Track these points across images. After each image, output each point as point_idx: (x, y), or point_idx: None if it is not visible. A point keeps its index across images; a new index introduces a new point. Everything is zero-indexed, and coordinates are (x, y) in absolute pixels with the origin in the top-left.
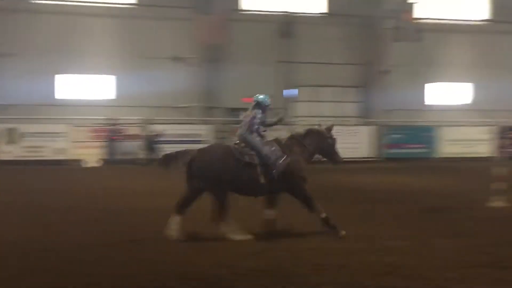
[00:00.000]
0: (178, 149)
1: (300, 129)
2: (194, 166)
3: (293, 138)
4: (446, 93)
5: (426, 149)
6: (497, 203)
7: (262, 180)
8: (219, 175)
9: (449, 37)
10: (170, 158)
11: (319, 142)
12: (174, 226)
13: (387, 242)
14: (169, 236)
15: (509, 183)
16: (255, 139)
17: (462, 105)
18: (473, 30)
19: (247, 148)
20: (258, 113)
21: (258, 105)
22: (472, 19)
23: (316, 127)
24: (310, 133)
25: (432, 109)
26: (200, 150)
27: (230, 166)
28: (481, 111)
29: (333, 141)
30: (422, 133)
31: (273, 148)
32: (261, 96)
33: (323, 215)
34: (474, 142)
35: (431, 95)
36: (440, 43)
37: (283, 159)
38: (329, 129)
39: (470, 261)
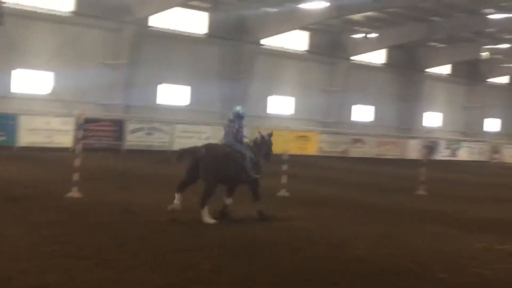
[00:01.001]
0: (192, 146)
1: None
2: (202, 162)
3: (255, 144)
4: (29, 81)
5: (6, 137)
6: (74, 193)
7: (243, 176)
8: (219, 171)
9: (34, 24)
10: (186, 153)
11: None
12: (176, 200)
13: None
14: (174, 206)
15: (85, 173)
16: (241, 146)
17: (44, 94)
18: (57, 20)
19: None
20: (241, 125)
21: (239, 116)
22: (58, 10)
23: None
24: (263, 139)
25: (15, 96)
26: (207, 149)
27: (229, 165)
28: (63, 102)
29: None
30: (2, 121)
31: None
32: (240, 108)
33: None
34: (55, 132)
35: (16, 82)
36: (24, 30)
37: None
38: (270, 134)
39: (47, 252)
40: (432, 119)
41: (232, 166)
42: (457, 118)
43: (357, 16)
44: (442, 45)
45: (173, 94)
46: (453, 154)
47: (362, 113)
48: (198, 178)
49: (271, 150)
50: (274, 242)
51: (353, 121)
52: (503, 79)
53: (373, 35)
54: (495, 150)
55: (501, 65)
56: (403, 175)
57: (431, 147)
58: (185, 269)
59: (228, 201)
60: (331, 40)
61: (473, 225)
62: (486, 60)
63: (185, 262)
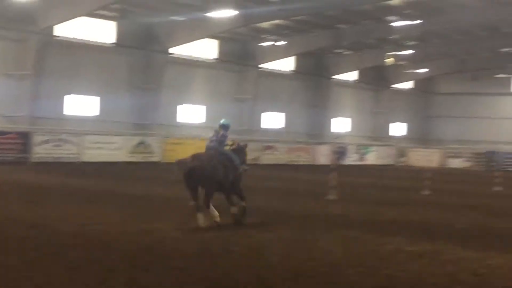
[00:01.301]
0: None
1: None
2: (195, 172)
3: (235, 150)
4: None
5: None
6: None
7: (231, 177)
8: (211, 173)
9: None
10: (184, 163)
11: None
12: (200, 219)
13: None
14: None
15: None
16: (226, 150)
17: None
18: None
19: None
20: (226, 133)
21: (224, 126)
22: None
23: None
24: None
25: None
26: (194, 159)
27: (216, 165)
28: None
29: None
30: None
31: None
32: (225, 120)
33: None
34: None
35: None
36: None
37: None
38: (245, 145)
39: None
40: (341, 125)
41: (220, 167)
42: (365, 123)
43: (265, 24)
44: (348, 52)
45: (82, 105)
46: (362, 159)
47: (273, 120)
48: (198, 186)
49: (246, 156)
50: (187, 252)
51: (264, 128)
52: (407, 84)
53: (282, 42)
54: (402, 153)
55: (405, 71)
56: (314, 181)
57: (340, 152)
58: (99, 284)
59: (234, 209)
60: (240, 48)
61: (383, 227)
62: (391, 66)
63: (99, 276)
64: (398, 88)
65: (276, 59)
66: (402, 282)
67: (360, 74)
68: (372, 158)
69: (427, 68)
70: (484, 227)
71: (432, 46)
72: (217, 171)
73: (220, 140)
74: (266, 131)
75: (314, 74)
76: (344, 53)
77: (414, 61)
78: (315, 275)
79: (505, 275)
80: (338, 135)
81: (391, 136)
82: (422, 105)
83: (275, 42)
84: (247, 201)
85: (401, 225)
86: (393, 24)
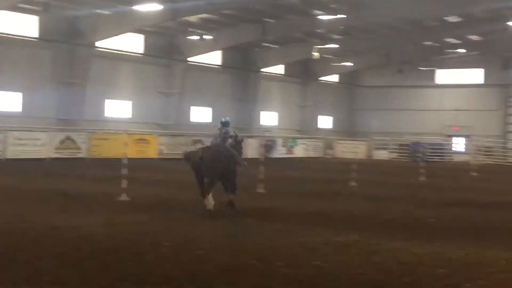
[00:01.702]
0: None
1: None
2: (203, 163)
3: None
4: None
5: None
6: None
7: (233, 167)
8: (217, 166)
9: None
10: (193, 154)
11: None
12: (208, 202)
13: None
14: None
15: None
16: (228, 146)
17: None
18: None
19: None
20: (228, 130)
21: (226, 123)
22: None
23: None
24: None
25: None
26: (203, 152)
27: (222, 160)
28: None
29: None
30: None
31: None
32: (227, 119)
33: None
34: None
35: None
36: None
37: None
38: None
39: None
40: (269, 118)
41: (224, 161)
42: (293, 116)
43: (192, 18)
44: (275, 46)
45: (4, 101)
46: (290, 152)
47: (201, 114)
48: (203, 176)
49: (241, 152)
50: (116, 248)
51: (192, 122)
52: (333, 78)
53: (209, 36)
54: (329, 146)
55: (331, 64)
56: (243, 174)
57: (268, 146)
58: (25, 282)
59: (231, 196)
60: (167, 42)
61: (312, 219)
62: (317, 60)
63: (24, 274)
64: (324, 81)
65: (203, 53)
66: (330, 272)
67: (287, 68)
68: (300, 151)
69: (353, 62)
70: (410, 217)
71: (357, 40)
72: (221, 164)
73: (223, 137)
74: (194, 125)
75: (242, 68)
76: (271, 46)
77: (340, 55)
78: (245, 268)
79: (429, 263)
80: (267, 129)
81: (318, 128)
82: (348, 98)
83: (202, 36)
84: (237, 193)
85: (329, 217)
86: (319, 17)
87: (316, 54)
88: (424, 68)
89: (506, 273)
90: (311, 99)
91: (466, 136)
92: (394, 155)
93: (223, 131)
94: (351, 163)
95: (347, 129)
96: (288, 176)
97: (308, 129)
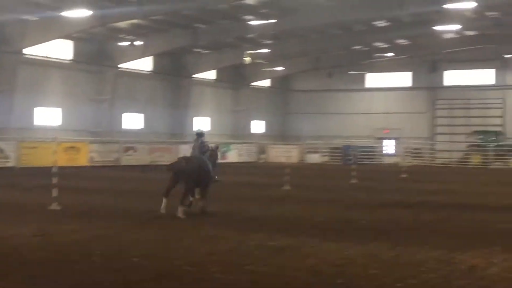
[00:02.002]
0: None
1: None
2: (184, 171)
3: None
4: None
5: None
6: None
7: (208, 178)
8: (195, 176)
9: None
10: (176, 163)
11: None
12: (164, 205)
13: None
14: (161, 212)
15: None
16: (204, 157)
17: None
18: None
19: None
20: (203, 141)
21: (200, 134)
22: None
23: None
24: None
25: None
26: (186, 161)
27: (200, 171)
28: None
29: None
30: None
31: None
32: (198, 129)
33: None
34: None
35: None
36: None
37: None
38: (217, 147)
39: None
40: (201, 124)
41: (202, 172)
42: (226, 121)
43: (122, 24)
44: (207, 51)
45: None
46: (224, 157)
47: (133, 121)
48: (178, 183)
49: (217, 159)
50: (48, 258)
51: (124, 129)
52: (265, 82)
53: (139, 42)
54: (262, 150)
55: (262, 69)
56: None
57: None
58: None
59: (203, 201)
60: (97, 49)
61: (246, 224)
62: (249, 65)
63: None
64: (257, 86)
65: (134, 59)
66: (265, 276)
67: (220, 73)
68: (234, 156)
69: (284, 66)
70: (342, 219)
71: (288, 45)
72: (199, 176)
73: (200, 147)
74: (126, 132)
75: (174, 73)
76: (203, 52)
77: (271, 59)
78: (179, 274)
79: (361, 264)
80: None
81: (251, 133)
82: (280, 102)
83: (133, 42)
84: (207, 200)
85: (262, 221)
86: (250, 23)
87: (247, 59)
88: (354, 72)
89: (436, 272)
90: (244, 104)
91: (395, 139)
92: (326, 159)
93: (199, 142)
94: (284, 167)
95: (279, 133)
96: (222, 181)
97: (241, 134)
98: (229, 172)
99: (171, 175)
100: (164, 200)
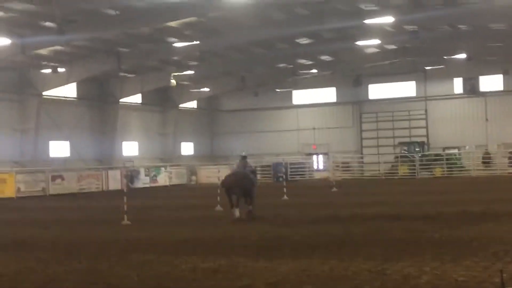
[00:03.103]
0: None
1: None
2: (237, 184)
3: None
4: None
5: None
6: None
7: (253, 188)
8: (242, 188)
9: None
10: (227, 178)
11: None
12: (237, 212)
13: None
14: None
15: None
16: (249, 173)
17: None
18: None
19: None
20: (246, 162)
21: (245, 157)
22: None
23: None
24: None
25: None
26: (234, 175)
27: (246, 183)
28: None
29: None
30: None
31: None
32: (244, 153)
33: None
34: None
35: None
36: None
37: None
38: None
39: None
40: (130, 148)
41: (248, 183)
42: (154, 144)
43: (43, 51)
44: (132, 75)
45: None
46: (153, 181)
47: (60, 149)
48: (234, 194)
49: (256, 176)
50: None
51: (51, 157)
52: (192, 104)
53: (62, 69)
54: (192, 172)
55: (189, 90)
56: (107, 207)
57: (131, 176)
58: None
59: (250, 208)
60: (19, 77)
61: (178, 247)
62: (175, 87)
63: None
64: (184, 107)
65: (58, 86)
66: None
67: (146, 96)
68: (164, 179)
69: (210, 87)
70: (275, 237)
71: (212, 65)
72: (245, 185)
73: (244, 166)
74: (53, 161)
75: (99, 99)
76: (128, 76)
77: (197, 81)
78: None
79: (295, 280)
80: (129, 159)
81: (181, 155)
82: (208, 123)
83: (56, 68)
84: (254, 206)
85: (195, 243)
86: (174, 45)
87: (173, 82)
88: (281, 90)
89: (370, 283)
90: (171, 126)
91: (324, 154)
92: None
93: (243, 162)
94: (215, 188)
95: (209, 154)
96: (153, 205)
97: (170, 157)
98: (160, 196)
99: (224, 190)
100: (234, 210)
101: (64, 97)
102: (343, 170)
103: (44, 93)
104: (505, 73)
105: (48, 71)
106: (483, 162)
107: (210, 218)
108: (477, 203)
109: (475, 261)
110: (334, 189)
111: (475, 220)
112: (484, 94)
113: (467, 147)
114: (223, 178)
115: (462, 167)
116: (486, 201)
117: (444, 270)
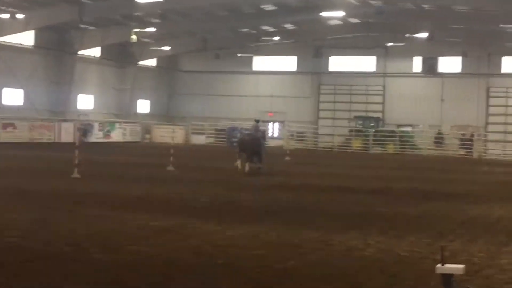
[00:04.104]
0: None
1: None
2: (249, 144)
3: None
4: None
5: None
6: None
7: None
8: (252, 148)
9: None
10: (241, 138)
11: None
12: (238, 164)
13: None
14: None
15: None
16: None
17: None
18: None
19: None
20: (258, 126)
21: (258, 121)
22: None
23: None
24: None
25: None
26: (248, 135)
27: (256, 142)
28: None
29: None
30: None
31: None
32: (257, 118)
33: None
34: None
35: None
36: None
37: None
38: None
39: None
40: (85, 102)
41: (257, 146)
42: (110, 100)
43: None
44: (93, 28)
45: None
46: (107, 136)
47: (12, 97)
48: (245, 152)
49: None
50: None
51: (3, 105)
52: (152, 62)
53: (21, 15)
54: (146, 130)
55: (149, 48)
56: (58, 159)
57: (84, 130)
58: None
59: (258, 164)
60: None
61: (128, 204)
62: (135, 43)
63: None
64: (143, 65)
65: (15, 32)
66: (146, 257)
67: (105, 51)
68: (118, 135)
69: (171, 46)
70: (225, 201)
71: (175, 24)
72: (255, 146)
73: (256, 129)
74: (5, 108)
75: (57, 49)
76: (88, 28)
77: (158, 39)
78: (58, 255)
79: (242, 244)
80: (83, 112)
81: (136, 113)
82: (166, 82)
83: (14, 14)
84: (263, 164)
85: (146, 201)
86: (138, 1)
87: (134, 37)
88: (242, 55)
89: (317, 253)
90: (129, 83)
91: (280, 122)
92: (211, 140)
93: (256, 126)
94: (169, 148)
95: (165, 113)
96: (105, 160)
97: (125, 113)
98: (113, 152)
99: (238, 146)
100: (238, 161)
101: (20, 44)
102: (298, 140)
103: (0, 38)
104: (464, 55)
105: (6, 16)
106: (435, 142)
107: (161, 178)
108: (427, 182)
109: (419, 237)
110: (287, 158)
111: (424, 198)
112: (442, 74)
113: (420, 126)
114: (240, 137)
115: (414, 145)
116: (435, 180)
117: (389, 244)
